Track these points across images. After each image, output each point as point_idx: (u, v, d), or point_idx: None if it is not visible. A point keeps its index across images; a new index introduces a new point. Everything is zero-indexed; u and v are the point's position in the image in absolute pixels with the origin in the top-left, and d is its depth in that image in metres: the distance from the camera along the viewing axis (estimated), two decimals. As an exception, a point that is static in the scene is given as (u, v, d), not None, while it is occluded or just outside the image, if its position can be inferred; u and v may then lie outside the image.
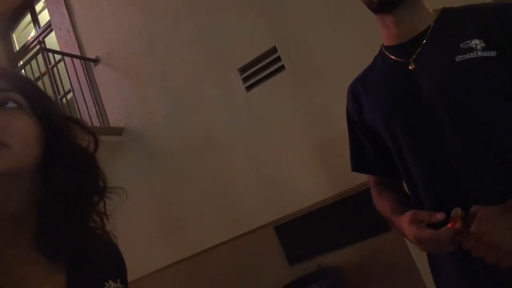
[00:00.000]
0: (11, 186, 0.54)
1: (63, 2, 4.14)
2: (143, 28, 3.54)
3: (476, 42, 0.85)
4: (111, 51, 3.75)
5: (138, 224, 3.36)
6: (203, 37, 3.22)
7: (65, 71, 3.79)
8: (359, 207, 2.43)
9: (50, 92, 3.53)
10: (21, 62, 4.71)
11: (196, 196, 3.19)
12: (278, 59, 2.91)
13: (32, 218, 0.57)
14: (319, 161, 2.72)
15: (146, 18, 3.53)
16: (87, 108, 3.68)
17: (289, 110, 2.83)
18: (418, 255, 2.09)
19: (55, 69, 3.80)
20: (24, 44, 4.94)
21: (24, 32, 5.12)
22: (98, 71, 3.84)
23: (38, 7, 4.83)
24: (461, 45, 0.87)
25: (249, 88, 3.02)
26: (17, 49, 5.02)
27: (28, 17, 4.92)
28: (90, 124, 3.54)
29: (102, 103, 3.79)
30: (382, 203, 1.04)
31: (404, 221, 0.86)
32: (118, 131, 3.58)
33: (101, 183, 0.64)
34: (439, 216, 0.78)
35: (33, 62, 3.63)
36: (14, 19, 5.02)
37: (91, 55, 3.88)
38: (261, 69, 2.97)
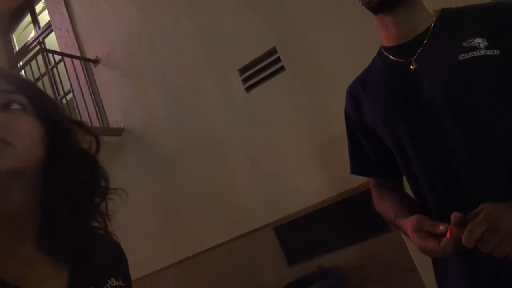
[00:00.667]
0: (15, 185, 0.55)
1: (63, 2, 4.14)
2: (143, 29, 3.54)
3: (479, 41, 0.85)
4: (111, 51, 3.76)
5: (138, 224, 3.35)
6: (203, 37, 3.22)
7: (65, 71, 3.80)
8: (359, 208, 2.43)
9: (50, 92, 3.53)
10: (21, 63, 4.71)
11: (196, 196, 3.19)
12: (278, 59, 2.91)
13: (35, 218, 0.58)
14: (319, 161, 2.72)
15: (146, 19, 3.53)
16: (87, 108, 3.68)
17: (289, 110, 2.83)
18: (418, 255, 2.09)
19: (55, 69, 3.81)
20: (24, 45, 4.94)
21: (24, 33, 5.12)
22: (98, 72, 3.85)
23: (38, 7, 4.83)
24: (464, 44, 0.86)
25: (249, 88, 3.02)
26: (17, 49, 5.02)
27: (28, 18, 4.93)
28: (89, 125, 3.56)
29: (101, 103, 3.79)
30: (383, 205, 1.04)
31: (408, 227, 0.85)
32: (117, 132, 3.58)
33: (103, 183, 0.65)
34: (443, 227, 0.77)
35: (33, 63, 3.63)
36: (14, 20, 5.02)
37: (91, 55, 3.88)
38: (261, 69, 2.98)
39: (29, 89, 0.62)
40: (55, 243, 0.58)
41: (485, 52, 0.84)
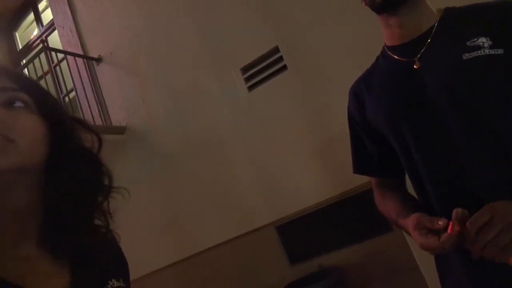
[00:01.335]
0: (17, 183, 0.54)
1: (66, 1, 4.15)
2: (146, 28, 3.54)
3: (483, 40, 0.85)
4: (114, 50, 3.76)
5: (139, 223, 3.36)
6: (205, 36, 3.22)
7: (67, 70, 3.80)
8: (361, 207, 2.43)
9: (52, 91, 3.54)
10: (24, 61, 4.72)
11: (197, 195, 3.19)
12: (281, 59, 2.90)
13: (38, 216, 0.58)
14: (321, 161, 2.71)
15: (149, 18, 3.53)
16: (89, 107, 3.68)
17: (291, 110, 2.83)
18: (420, 255, 2.09)
19: (57, 68, 3.81)
20: (27, 43, 4.95)
21: (27, 31, 5.13)
22: (101, 70, 3.85)
23: (41, 6, 4.84)
24: (468, 43, 0.86)
25: (251, 88, 3.02)
26: (20, 47, 5.03)
27: (31, 16, 4.94)
28: (92, 123, 3.57)
29: (104, 102, 3.79)
30: (386, 205, 1.04)
31: (409, 226, 0.86)
32: (120, 130, 3.58)
33: (106, 182, 0.65)
34: (442, 222, 0.77)
35: (36, 61, 3.64)
36: (17, 18, 5.04)
37: (93, 54, 3.89)
38: (263, 69, 2.97)
39: (32, 87, 0.62)
40: (57, 242, 0.58)
41: (489, 52, 0.84)
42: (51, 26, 4.57)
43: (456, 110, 0.86)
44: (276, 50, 2.92)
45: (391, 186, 1.07)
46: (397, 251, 2.37)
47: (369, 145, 1.07)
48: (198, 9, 3.25)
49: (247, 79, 3.03)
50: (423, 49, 0.92)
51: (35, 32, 4.95)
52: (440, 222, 0.78)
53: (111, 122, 3.70)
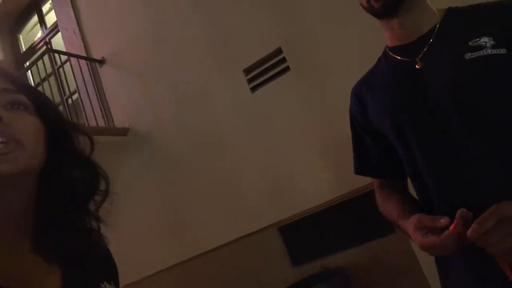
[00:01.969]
0: (20, 185, 0.55)
1: (69, 3, 4.17)
2: (149, 29, 3.55)
3: (486, 40, 0.84)
4: (117, 52, 3.77)
5: (143, 224, 3.37)
6: (208, 38, 3.22)
7: (71, 71, 3.82)
8: (364, 209, 2.42)
9: (56, 92, 3.56)
10: (28, 63, 4.75)
11: (201, 196, 3.20)
12: (284, 60, 2.91)
13: (30, 220, 0.58)
14: (325, 162, 2.71)
15: (152, 19, 3.54)
16: (92, 108, 3.70)
17: (294, 111, 2.83)
18: (423, 257, 2.08)
19: (61, 69, 3.83)
20: (31, 45, 4.98)
21: (31, 33, 5.16)
22: (104, 72, 3.86)
23: (45, 8, 4.86)
24: (470, 43, 0.86)
25: (254, 89, 3.02)
26: (24, 49, 5.06)
27: (35, 18, 4.96)
28: (95, 125, 3.58)
29: (107, 103, 3.81)
30: (387, 206, 1.03)
31: (409, 227, 0.85)
32: (123, 132, 3.59)
33: (102, 186, 0.65)
34: (444, 220, 0.76)
35: (40, 63, 3.66)
36: (21, 20, 5.07)
37: (97, 56, 3.90)
38: (266, 70, 2.98)
39: (29, 90, 0.62)
40: (50, 245, 0.58)
41: (491, 51, 0.83)
42: (55, 28, 4.59)
43: (459, 110, 0.86)
44: (279, 51, 2.92)
45: (392, 188, 1.06)
46: (400, 253, 2.36)
47: (371, 146, 1.06)
48: (201, 11, 3.26)
49: (250, 80, 3.03)
50: (425, 49, 0.92)
51: (39, 34, 4.97)
52: (442, 220, 0.77)
53: (114, 124, 3.71)
